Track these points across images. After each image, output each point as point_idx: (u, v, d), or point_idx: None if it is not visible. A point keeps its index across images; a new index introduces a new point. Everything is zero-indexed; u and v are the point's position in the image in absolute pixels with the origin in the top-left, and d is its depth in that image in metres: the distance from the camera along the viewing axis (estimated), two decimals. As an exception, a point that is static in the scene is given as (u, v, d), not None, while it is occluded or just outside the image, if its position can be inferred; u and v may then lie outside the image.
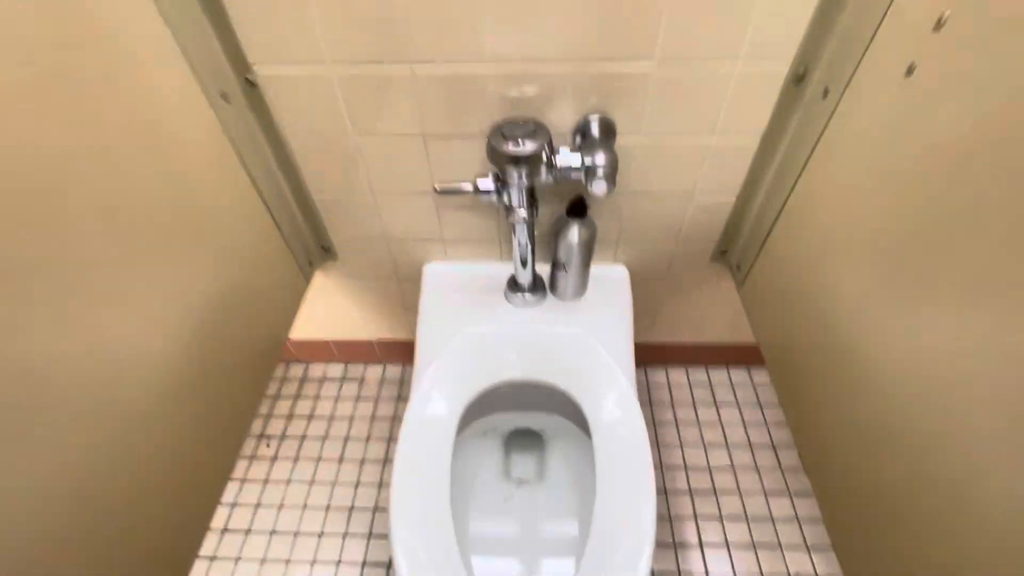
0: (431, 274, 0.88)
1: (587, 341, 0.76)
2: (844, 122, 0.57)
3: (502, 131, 0.60)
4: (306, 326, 1.10)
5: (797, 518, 0.94)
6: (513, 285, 0.83)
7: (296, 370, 1.20)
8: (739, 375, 1.14)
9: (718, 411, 1.09)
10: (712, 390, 1.12)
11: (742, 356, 1.14)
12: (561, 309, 0.82)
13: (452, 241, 0.86)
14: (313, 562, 0.93)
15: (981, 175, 0.40)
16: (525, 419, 0.86)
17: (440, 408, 0.71)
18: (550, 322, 0.79)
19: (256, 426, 1.11)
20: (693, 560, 0.91)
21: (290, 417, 1.12)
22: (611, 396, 0.71)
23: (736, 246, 0.83)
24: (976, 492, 0.41)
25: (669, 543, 0.93)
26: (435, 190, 0.68)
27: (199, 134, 0.60)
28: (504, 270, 0.86)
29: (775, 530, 0.93)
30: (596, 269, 0.85)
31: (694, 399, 1.10)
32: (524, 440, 0.86)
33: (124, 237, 0.49)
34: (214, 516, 0.99)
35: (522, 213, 0.67)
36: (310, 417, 1.12)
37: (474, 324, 0.79)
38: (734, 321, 1.02)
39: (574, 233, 0.72)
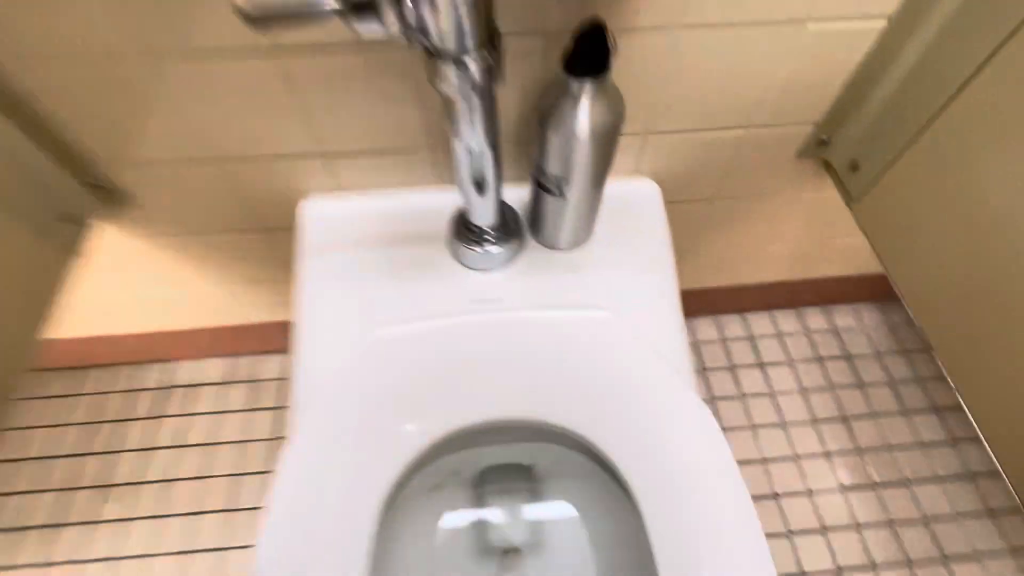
0: (312, 219, 0.49)
1: (616, 332, 0.40)
2: None
3: None
4: (143, 313, 0.69)
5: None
6: (462, 229, 0.45)
7: (144, 375, 0.79)
8: (788, 320, 0.82)
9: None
10: (753, 344, 0.80)
11: (797, 294, 0.81)
12: (554, 266, 0.45)
13: (341, 155, 0.46)
14: None
15: None
16: (505, 453, 0.52)
17: (335, 498, 0.35)
18: (541, 294, 0.43)
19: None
20: None
21: (152, 449, 0.74)
22: (674, 437, 0.36)
23: (849, 130, 0.47)
24: None
25: None
26: (244, 18, 0.26)
27: None
28: (441, 203, 0.48)
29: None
30: (609, 186, 0.47)
31: (730, 359, 0.79)
32: (504, 482, 0.53)
33: None
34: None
35: (469, 67, 0.28)
36: (183, 446, 0.74)
37: (399, 314, 0.42)
38: (803, 246, 0.68)
39: (584, 113, 0.34)
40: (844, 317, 0.82)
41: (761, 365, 0.78)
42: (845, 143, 0.48)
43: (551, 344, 0.40)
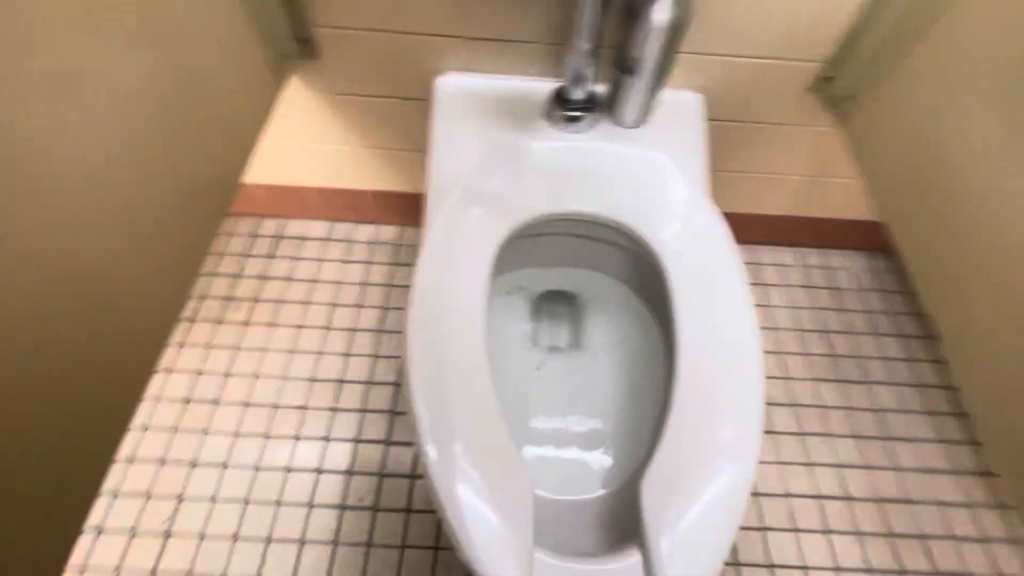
0: (446, 90, 0.67)
1: (661, 164, 0.58)
2: None
3: None
4: (283, 165, 0.88)
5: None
6: (558, 101, 0.63)
7: (269, 226, 1.00)
8: (787, 254, 0.99)
9: (766, 293, 0.95)
10: (760, 270, 0.97)
11: (797, 233, 0.98)
12: (620, 137, 0.63)
13: (477, 41, 0.64)
14: (297, 438, 0.80)
15: None
16: (559, 277, 0.70)
17: (471, 228, 0.53)
18: (608, 142, 0.61)
19: (219, 287, 0.92)
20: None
21: (265, 279, 0.94)
22: (690, 231, 0.54)
23: (851, 67, 0.64)
24: None
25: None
26: None
27: None
28: (544, 90, 0.66)
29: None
30: (663, 94, 0.65)
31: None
32: (556, 303, 0.71)
33: None
34: (167, 384, 0.83)
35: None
36: (288, 280, 0.94)
37: (510, 143, 0.60)
38: (807, 183, 0.85)
39: (664, 8, 0.51)
40: (836, 259, 0.98)
41: (762, 285, 0.95)
42: (845, 78, 0.65)
43: (618, 169, 0.58)
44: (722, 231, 0.55)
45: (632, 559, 0.39)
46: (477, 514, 0.38)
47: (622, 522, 0.50)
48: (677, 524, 0.38)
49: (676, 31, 0.53)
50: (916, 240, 0.55)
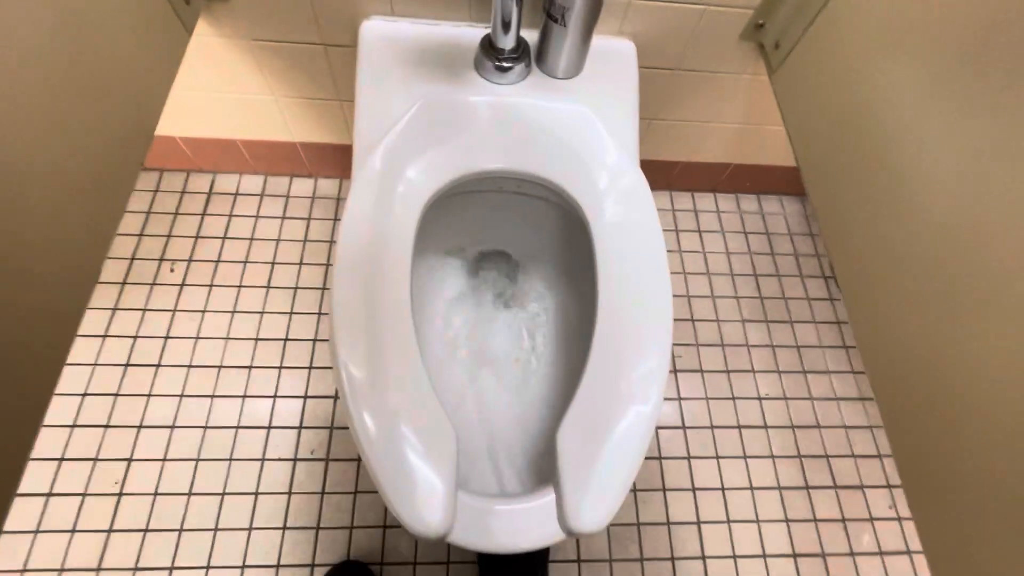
0: (371, 34, 0.64)
1: (587, 119, 0.58)
2: None
3: None
4: (205, 117, 0.83)
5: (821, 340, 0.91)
6: (488, 49, 0.60)
7: (199, 181, 0.95)
8: (727, 201, 1.02)
9: (701, 239, 0.99)
10: (696, 217, 1.00)
11: (736, 180, 1.01)
12: (551, 87, 0.62)
13: (401, -18, 0.60)
14: (244, 396, 0.81)
15: None
16: (494, 235, 0.70)
17: (400, 177, 0.53)
18: (537, 98, 0.60)
19: (152, 248, 0.89)
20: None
21: (197, 237, 0.90)
22: (615, 189, 0.55)
23: (779, 14, 0.64)
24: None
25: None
26: None
27: None
28: (474, 36, 0.63)
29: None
30: (596, 41, 0.64)
31: (677, 225, 0.99)
32: (494, 262, 0.72)
33: None
34: (104, 350, 0.81)
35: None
36: (224, 238, 0.91)
37: (436, 96, 0.58)
38: (743, 132, 0.87)
39: (587, -47, 0.49)
40: (773, 204, 1.02)
41: (699, 232, 0.99)
42: (774, 26, 0.65)
43: (544, 126, 0.57)
44: (645, 189, 0.56)
45: (547, 498, 0.43)
46: (398, 466, 0.41)
47: (544, 467, 0.55)
48: (586, 464, 0.42)
49: (601, -22, 0.52)
50: (823, 187, 0.58)
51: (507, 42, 0.58)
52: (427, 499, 0.40)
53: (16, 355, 0.38)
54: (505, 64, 0.60)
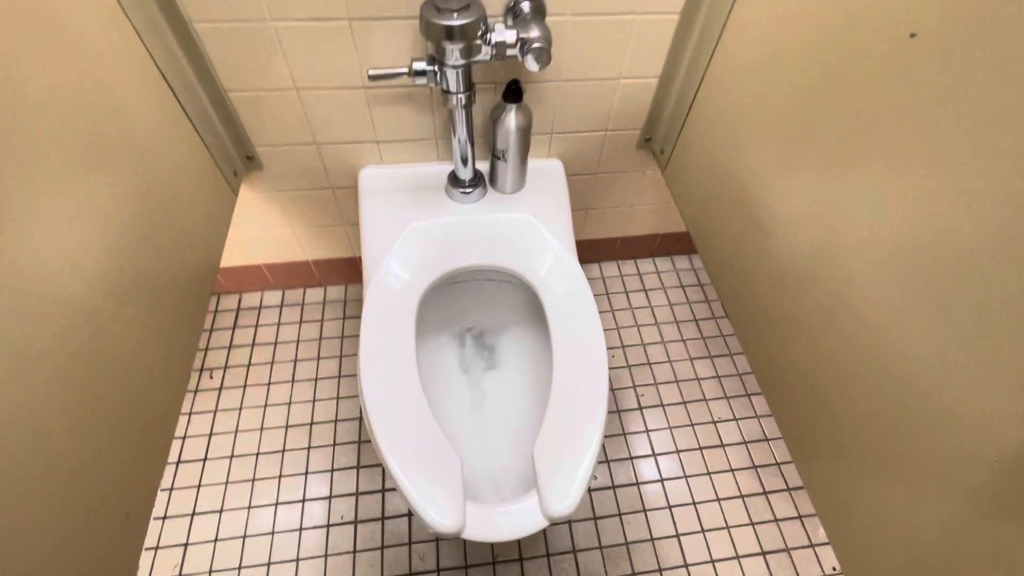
0: (368, 179, 0.87)
1: (530, 223, 0.79)
2: (747, 4, 0.62)
3: (435, 4, 0.59)
4: (235, 251, 1.04)
5: (719, 377, 1.09)
6: (454, 181, 0.83)
7: (228, 301, 1.14)
8: (664, 263, 1.24)
9: (647, 296, 1.19)
10: (641, 279, 1.21)
11: (668, 245, 1.23)
12: (503, 201, 0.84)
13: (387, 142, 0.84)
14: (280, 476, 0.94)
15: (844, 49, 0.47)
16: (475, 315, 0.90)
17: (400, 282, 0.73)
18: (494, 212, 0.82)
19: (194, 361, 1.06)
20: (634, 422, 1.03)
21: (231, 347, 1.08)
22: (557, 270, 0.76)
23: (659, 130, 0.89)
24: (872, 319, 0.50)
25: (613, 410, 1.04)
26: (368, 76, 0.65)
27: (98, 25, 0.53)
28: (442, 170, 0.87)
29: (702, 390, 1.07)
30: (532, 163, 0.88)
31: (626, 288, 1.20)
32: (476, 337, 0.91)
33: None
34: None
35: (460, 98, 0.67)
36: (253, 345, 1.09)
37: (420, 220, 0.80)
38: (660, 210, 1.10)
39: (511, 118, 0.73)
40: (699, 261, 1.24)
41: (645, 290, 1.19)
42: (657, 138, 0.90)
43: (501, 231, 0.79)
44: (577, 269, 0.77)
45: (532, 500, 0.58)
46: (422, 485, 0.57)
47: (528, 477, 0.70)
48: (555, 470, 0.58)
49: (524, 131, 0.76)
50: (710, 247, 0.80)
51: (466, 174, 0.82)
52: (445, 507, 0.56)
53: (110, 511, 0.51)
54: (467, 190, 0.83)
